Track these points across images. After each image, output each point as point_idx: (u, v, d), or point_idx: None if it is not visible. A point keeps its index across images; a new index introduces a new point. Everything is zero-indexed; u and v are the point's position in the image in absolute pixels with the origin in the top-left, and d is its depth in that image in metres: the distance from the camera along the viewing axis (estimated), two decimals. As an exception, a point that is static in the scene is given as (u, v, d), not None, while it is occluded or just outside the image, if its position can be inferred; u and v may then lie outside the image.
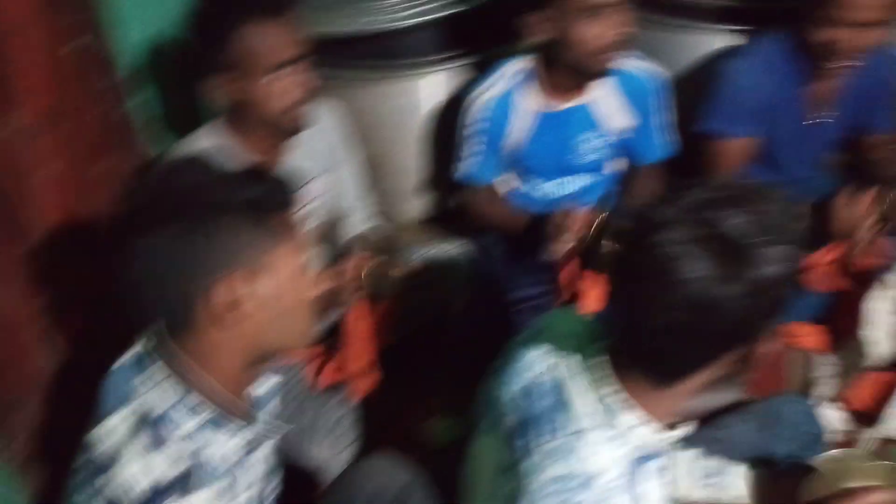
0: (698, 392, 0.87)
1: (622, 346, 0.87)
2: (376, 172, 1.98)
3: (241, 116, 1.28)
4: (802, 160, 1.77)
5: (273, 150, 1.35)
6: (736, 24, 1.82)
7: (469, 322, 1.66)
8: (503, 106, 1.54)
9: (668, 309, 0.76)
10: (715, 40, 1.88)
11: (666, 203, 0.78)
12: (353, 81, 1.89)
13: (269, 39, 1.18)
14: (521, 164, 1.63)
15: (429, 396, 1.65)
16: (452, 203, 1.93)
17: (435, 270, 1.69)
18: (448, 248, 1.74)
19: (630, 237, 0.81)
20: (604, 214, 1.40)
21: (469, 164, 1.62)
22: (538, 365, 0.95)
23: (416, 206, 2.10)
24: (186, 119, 1.53)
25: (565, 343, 0.95)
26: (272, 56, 1.20)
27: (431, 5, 1.83)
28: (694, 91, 1.71)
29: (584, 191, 1.69)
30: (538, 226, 1.48)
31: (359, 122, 1.88)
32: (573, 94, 1.52)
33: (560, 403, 0.90)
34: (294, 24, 1.22)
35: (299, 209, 0.85)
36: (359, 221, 1.56)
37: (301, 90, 1.24)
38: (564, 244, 1.39)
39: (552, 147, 1.59)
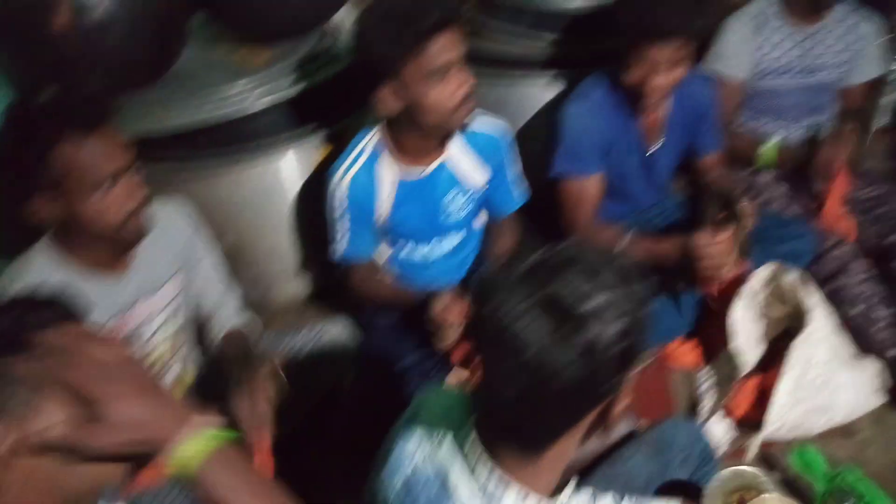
0: (571, 454, 0.85)
1: (486, 421, 0.86)
2: (247, 258, 1.93)
3: (72, 234, 1.20)
4: (649, 188, 1.91)
5: (115, 261, 1.28)
6: (557, 70, 1.99)
7: (359, 400, 1.61)
8: (365, 181, 1.53)
9: (514, 377, 0.75)
10: (540, 88, 2.02)
11: (504, 269, 0.77)
12: (210, 171, 1.84)
13: (91, 155, 1.11)
14: (393, 232, 1.63)
15: (325, 485, 1.58)
16: (331, 281, 1.89)
17: (319, 353, 1.64)
18: (330, 328, 1.70)
19: (475, 305, 0.81)
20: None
21: (344, 244, 1.60)
22: (417, 454, 0.92)
23: (293, 286, 2.04)
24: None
25: (441, 424, 0.92)
26: (98, 172, 1.12)
27: (278, 86, 1.83)
28: (536, 138, 1.80)
29: (457, 248, 1.71)
30: (422, 297, 1.48)
31: (221, 211, 1.83)
32: (431, 156, 1.55)
33: (444, 493, 0.87)
34: (115, 132, 1.16)
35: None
36: (226, 317, 1.49)
37: (134, 198, 1.18)
38: (450, 334, 1.41)
39: (420, 211, 1.60)
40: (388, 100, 1.40)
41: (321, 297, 2.03)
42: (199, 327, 1.50)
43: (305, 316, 1.95)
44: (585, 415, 0.80)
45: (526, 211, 1.75)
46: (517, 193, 1.71)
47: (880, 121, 2.54)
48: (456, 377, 1.42)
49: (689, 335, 1.88)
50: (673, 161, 1.89)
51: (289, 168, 1.87)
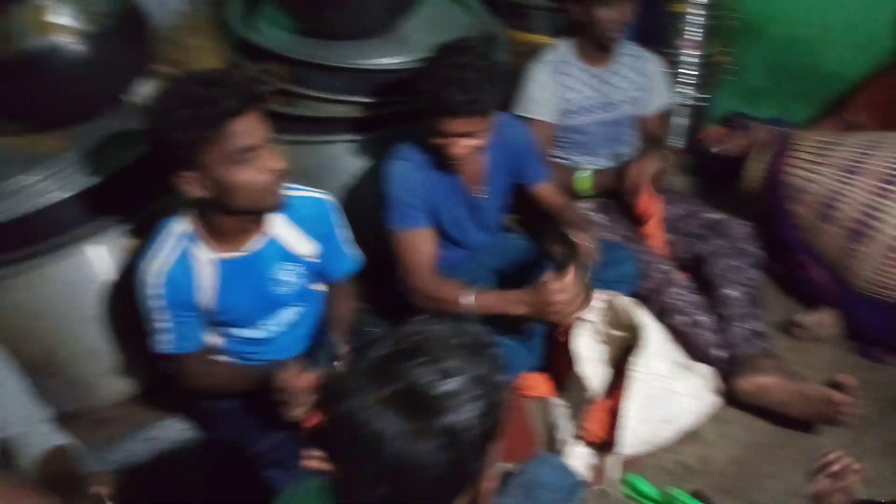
0: None
1: None
2: (60, 363, 1.73)
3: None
4: (481, 231, 1.96)
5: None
6: (379, 129, 2.01)
7: (210, 500, 1.47)
8: (181, 269, 1.42)
9: (377, 478, 0.72)
10: (363, 147, 2.05)
11: (351, 367, 0.75)
12: (6, 274, 1.64)
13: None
14: (223, 316, 1.52)
15: None
16: (160, 377, 1.73)
17: (158, 458, 1.48)
18: (167, 428, 1.55)
19: (326, 409, 0.77)
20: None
21: (167, 338, 1.47)
22: None
23: (118, 388, 1.85)
24: None
25: None
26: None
27: (76, 174, 1.67)
28: (364, 198, 1.80)
29: (297, 322, 1.64)
30: (264, 373, 1.41)
31: (23, 317, 1.64)
32: (250, 235, 1.47)
33: None
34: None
35: None
36: (37, 441, 1.30)
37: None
38: (301, 402, 1.35)
39: (250, 291, 1.51)
40: (191, 186, 1.32)
41: (151, 396, 1.85)
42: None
43: (137, 419, 1.76)
44: (455, 499, 0.78)
45: (364, 270, 1.72)
46: (350, 258, 1.68)
47: (675, 143, 2.81)
48: (315, 460, 1.33)
49: (539, 366, 1.92)
50: (501, 202, 1.95)
51: (96, 262, 1.70)
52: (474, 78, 1.58)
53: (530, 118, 2.17)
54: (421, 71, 1.66)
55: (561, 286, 1.59)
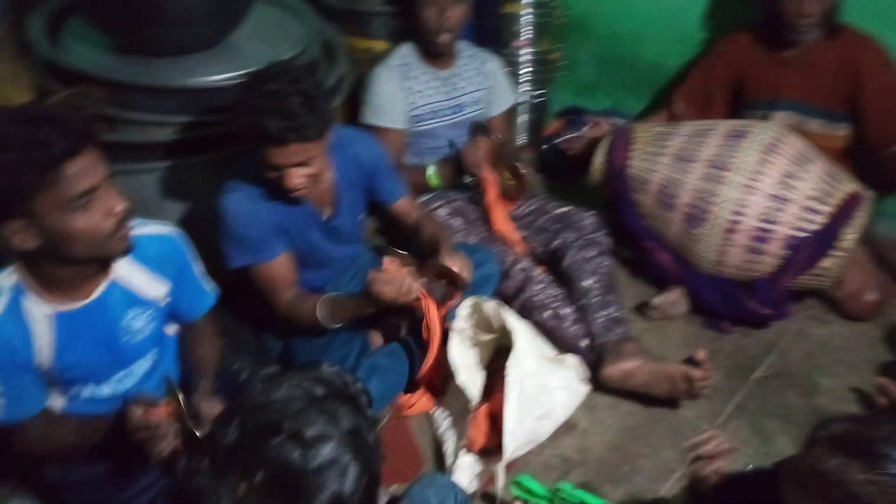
0: None
1: None
2: None
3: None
4: (340, 249, 1.89)
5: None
6: (202, 152, 1.86)
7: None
8: (11, 327, 1.24)
9: None
10: (203, 169, 1.88)
11: (207, 458, 0.68)
12: None
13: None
14: (67, 374, 1.35)
15: None
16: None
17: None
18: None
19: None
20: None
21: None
22: None
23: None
24: None
25: None
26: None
27: None
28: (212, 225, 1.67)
29: (152, 369, 1.49)
30: (115, 419, 1.31)
31: None
32: (91, 283, 1.31)
33: None
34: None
35: None
36: None
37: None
38: (163, 436, 1.26)
39: (95, 344, 1.35)
40: (19, 237, 1.15)
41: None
42: None
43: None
44: None
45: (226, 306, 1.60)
46: (207, 293, 1.55)
47: (519, 139, 2.89)
48: None
49: (415, 382, 1.89)
50: (355, 218, 1.89)
51: None
52: (292, 104, 1.47)
53: (380, 126, 2.13)
54: (234, 102, 1.54)
55: (384, 269, 1.58)
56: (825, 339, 2.04)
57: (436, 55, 2.16)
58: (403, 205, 1.93)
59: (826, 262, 1.91)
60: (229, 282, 1.64)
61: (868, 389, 1.65)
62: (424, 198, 2.25)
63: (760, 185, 1.93)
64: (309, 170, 1.56)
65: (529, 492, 1.59)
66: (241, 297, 1.70)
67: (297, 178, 1.56)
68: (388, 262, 1.62)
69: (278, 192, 1.63)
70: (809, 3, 2.00)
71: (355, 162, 1.80)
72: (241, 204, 1.63)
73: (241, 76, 1.66)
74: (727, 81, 2.30)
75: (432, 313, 1.70)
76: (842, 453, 0.90)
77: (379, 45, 2.46)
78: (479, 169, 2.12)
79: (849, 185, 1.94)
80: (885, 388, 1.58)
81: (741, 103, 2.30)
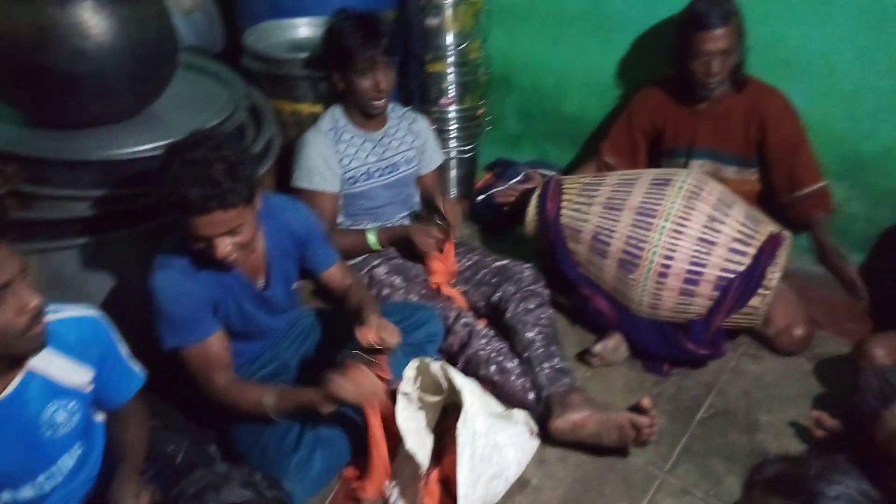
0: None
1: None
2: None
3: None
4: (275, 319, 1.84)
5: None
6: (125, 226, 1.78)
7: None
8: None
9: None
10: (123, 243, 1.81)
11: None
12: None
13: None
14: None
15: None
16: None
17: None
18: None
19: None
20: None
21: None
22: None
23: None
24: None
25: None
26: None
27: None
28: (135, 298, 1.59)
29: (78, 465, 1.38)
30: None
31: None
32: (6, 375, 1.22)
33: None
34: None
35: None
36: None
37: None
38: None
39: (12, 444, 1.25)
40: None
41: None
42: None
43: None
44: None
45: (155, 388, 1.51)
46: (134, 374, 1.46)
47: (453, 193, 2.92)
48: None
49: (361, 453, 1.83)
50: (289, 287, 1.85)
51: None
52: (214, 171, 1.43)
53: (313, 190, 2.11)
54: (156, 173, 1.49)
55: (347, 377, 1.54)
56: (760, 375, 2.10)
57: (371, 117, 2.18)
58: (334, 273, 1.90)
59: (755, 301, 1.98)
60: (157, 360, 1.56)
61: (805, 423, 1.70)
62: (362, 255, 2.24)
63: (687, 229, 1.99)
64: (237, 238, 1.51)
65: None
66: (172, 376, 1.62)
67: (225, 247, 1.50)
68: (357, 368, 1.57)
69: (209, 263, 1.57)
70: (715, 64, 2.12)
71: (287, 230, 1.76)
72: (171, 281, 1.56)
73: (162, 146, 1.62)
74: (647, 132, 2.40)
75: (376, 427, 1.65)
76: (779, 495, 0.92)
77: (306, 108, 2.45)
78: (429, 256, 2.13)
79: (769, 226, 2.03)
80: (820, 420, 1.64)
81: (662, 152, 2.40)
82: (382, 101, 2.12)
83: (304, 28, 2.69)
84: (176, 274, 1.56)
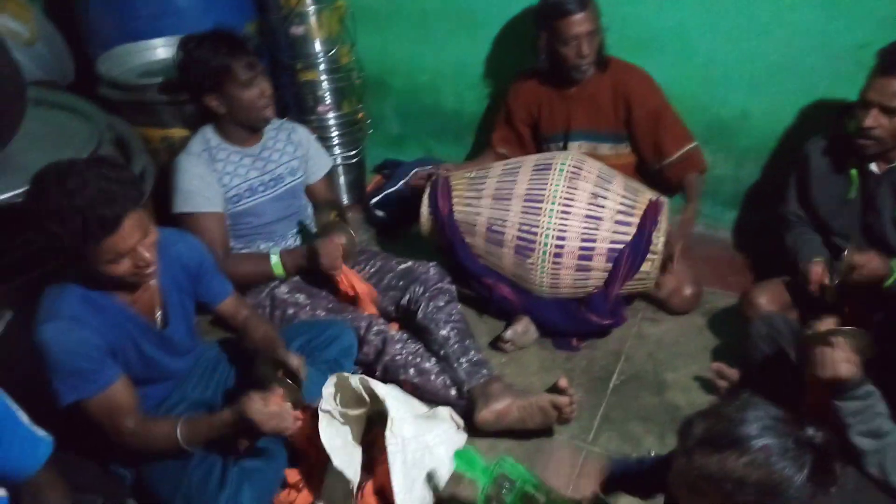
0: None
1: None
2: None
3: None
4: (179, 358, 1.75)
5: None
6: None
7: None
8: None
9: None
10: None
11: None
12: None
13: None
14: None
15: None
16: None
17: None
18: None
19: None
20: None
21: None
22: None
23: None
24: None
25: None
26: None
27: None
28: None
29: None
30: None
31: None
32: None
33: None
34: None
35: None
36: None
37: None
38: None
39: None
40: None
41: None
42: None
43: None
44: None
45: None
46: (40, 441, 1.33)
47: (348, 198, 2.88)
48: None
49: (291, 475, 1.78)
50: (189, 323, 1.76)
51: None
52: (103, 183, 1.34)
53: (196, 212, 2.02)
54: (31, 218, 1.37)
55: (265, 403, 1.50)
56: (661, 337, 2.23)
57: (245, 134, 2.11)
58: (230, 305, 1.83)
59: (646, 266, 2.09)
60: (57, 416, 1.44)
61: (708, 375, 1.81)
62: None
63: (574, 209, 2.07)
64: (151, 237, 1.45)
65: (469, 464, 1.53)
66: (79, 429, 1.51)
67: (148, 250, 1.43)
68: (273, 397, 1.51)
69: (100, 309, 1.49)
70: (585, 46, 2.21)
71: (179, 263, 1.68)
72: (63, 331, 1.44)
73: (23, 193, 1.48)
74: (527, 121, 2.48)
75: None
76: (715, 452, 0.98)
77: (176, 132, 2.34)
78: (335, 270, 2.06)
79: (647, 195, 2.15)
80: (721, 372, 1.76)
81: (540, 137, 2.48)
82: (271, 108, 2.07)
83: (161, 49, 2.55)
84: (66, 324, 1.44)
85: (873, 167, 1.92)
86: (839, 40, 2.17)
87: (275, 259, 2.07)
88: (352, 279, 2.10)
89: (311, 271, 2.10)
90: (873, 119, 1.81)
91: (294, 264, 2.08)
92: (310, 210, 2.30)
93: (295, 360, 1.66)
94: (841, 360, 1.34)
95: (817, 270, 1.91)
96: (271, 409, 1.50)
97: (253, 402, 1.48)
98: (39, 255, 1.67)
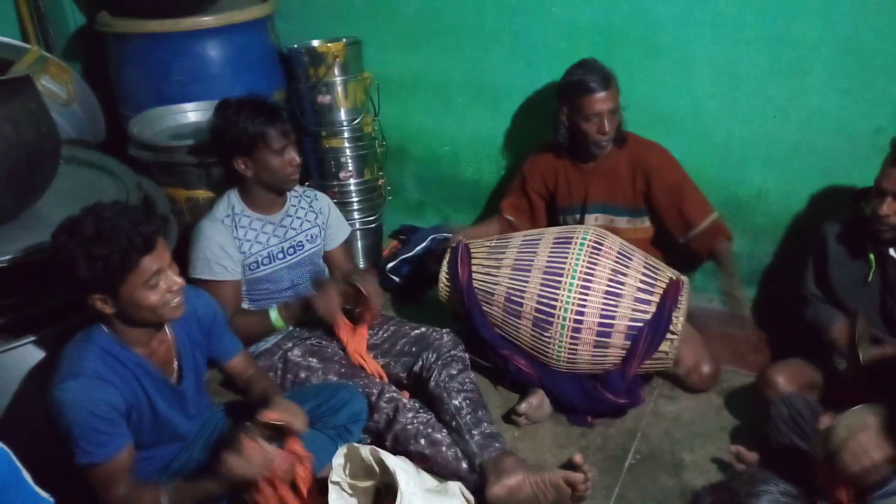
0: None
1: None
2: None
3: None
4: (191, 418, 1.73)
5: None
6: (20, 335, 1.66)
7: None
8: None
9: None
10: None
11: None
12: None
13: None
14: None
15: None
16: None
17: None
18: None
19: None
20: None
21: None
22: None
23: None
24: None
25: None
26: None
27: None
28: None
29: None
30: None
31: None
32: None
33: None
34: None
35: None
36: None
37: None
38: None
39: None
40: None
41: None
42: None
43: None
44: None
45: None
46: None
47: (361, 264, 2.90)
48: None
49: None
50: (200, 379, 1.76)
51: None
52: (119, 222, 1.40)
53: (213, 280, 2.03)
54: (61, 269, 1.42)
55: (238, 455, 1.48)
56: (677, 415, 2.18)
57: (269, 200, 2.14)
58: (238, 363, 1.84)
59: (665, 346, 2.06)
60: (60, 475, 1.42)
61: (726, 458, 1.77)
62: (276, 338, 2.16)
63: (594, 284, 2.06)
64: (175, 267, 1.52)
65: None
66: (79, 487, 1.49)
67: (176, 281, 1.50)
68: (247, 441, 1.49)
69: (119, 365, 1.50)
70: (607, 123, 2.26)
71: (195, 317, 1.69)
72: (83, 391, 1.44)
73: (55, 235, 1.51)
74: (542, 193, 2.51)
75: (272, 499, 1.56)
76: None
77: (201, 193, 2.39)
78: (332, 316, 2.07)
79: (668, 273, 2.15)
80: (739, 454, 1.72)
81: (557, 209, 2.50)
82: (297, 175, 2.11)
83: (192, 113, 2.64)
84: (87, 382, 1.45)
85: (892, 252, 1.92)
86: (855, 124, 2.21)
87: (274, 314, 2.07)
88: (349, 331, 2.12)
89: (309, 322, 2.14)
90: (888, 207, 1.83)
91: (291, 314, 2.08)
92: (326, 275, 2.32)
93: (278, 413, 1.60)
94: (873, 446, 1.31)
95: (843, 326, 1.92)
96: (249, 454, 1.47)
97: (229, 458, 1.47)
98: (60, 310, 1.69)
